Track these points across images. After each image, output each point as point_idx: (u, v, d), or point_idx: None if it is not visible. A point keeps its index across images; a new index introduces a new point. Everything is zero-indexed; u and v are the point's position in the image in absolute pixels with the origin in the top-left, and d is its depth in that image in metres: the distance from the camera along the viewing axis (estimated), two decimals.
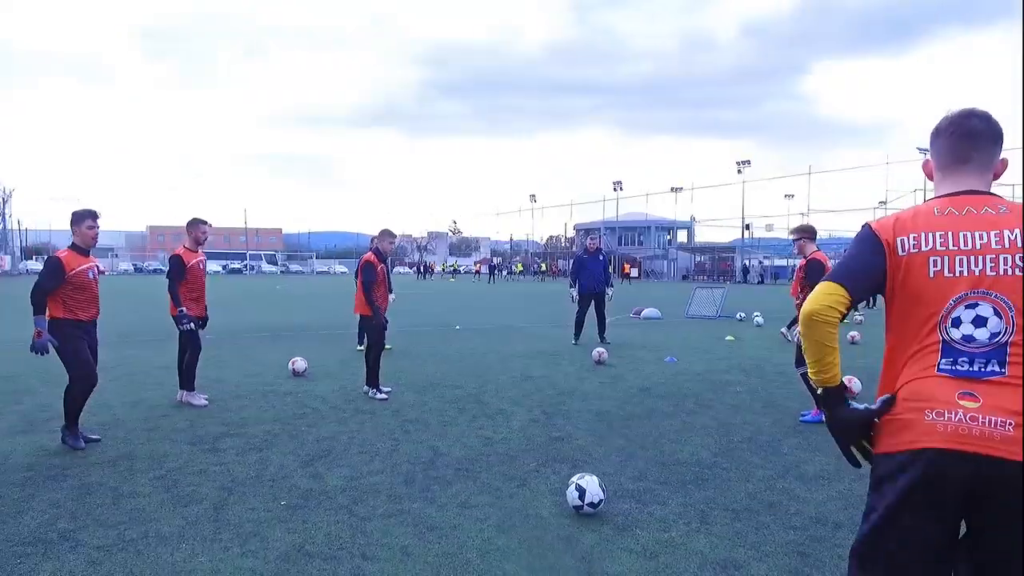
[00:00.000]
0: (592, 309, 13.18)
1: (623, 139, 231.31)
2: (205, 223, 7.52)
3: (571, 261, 13.73)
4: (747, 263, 63.87)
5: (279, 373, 9.32)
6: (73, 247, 5.82)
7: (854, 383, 7.32)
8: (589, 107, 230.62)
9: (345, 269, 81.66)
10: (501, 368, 10.01)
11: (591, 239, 13.94)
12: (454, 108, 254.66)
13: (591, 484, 4.22)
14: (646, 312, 19.85)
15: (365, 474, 5.05)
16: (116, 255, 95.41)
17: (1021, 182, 45.28)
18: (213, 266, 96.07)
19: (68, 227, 5.79)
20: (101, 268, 5.41)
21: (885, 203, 62.54)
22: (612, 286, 13.63)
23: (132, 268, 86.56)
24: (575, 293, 13.26)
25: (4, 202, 72.48)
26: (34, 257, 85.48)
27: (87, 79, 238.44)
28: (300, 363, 9.31)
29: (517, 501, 4.52)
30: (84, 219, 5.83)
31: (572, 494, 4.24)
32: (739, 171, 66.33)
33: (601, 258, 13.56)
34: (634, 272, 61.11)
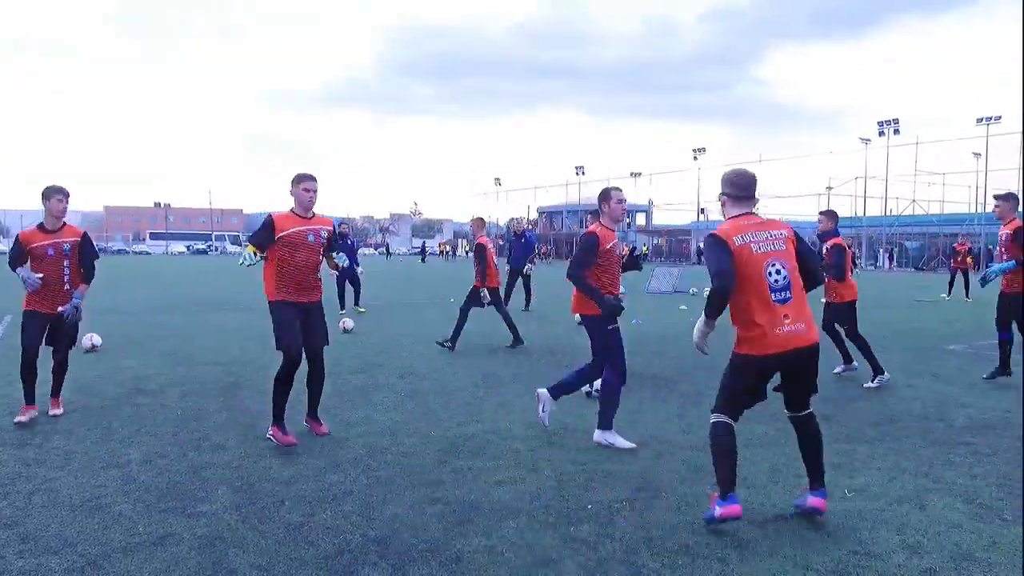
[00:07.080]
0: (520, 282, 15.95)
1: (587, 122, 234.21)
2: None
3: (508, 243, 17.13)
4: (701, 245, 67.45)
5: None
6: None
7: None
8: (554, 90, 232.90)
9: None
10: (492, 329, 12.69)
11: (516, 223, 16.83)
12: (420, 90, 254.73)
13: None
14: None
15: (458, 378, 7.74)
16: None
17: (1020, 180, 49.49)
18: (177, 247, 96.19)
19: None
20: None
21: (831, 188, 66.55)
22: (533, 263, 16.34)
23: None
24: (506, 267, 15.90)
25: None
26: None
27: (49, 53, 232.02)
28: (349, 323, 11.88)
29: None
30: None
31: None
32: (695, 158, 69.84)
33: (524, 240, 16.34)
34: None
